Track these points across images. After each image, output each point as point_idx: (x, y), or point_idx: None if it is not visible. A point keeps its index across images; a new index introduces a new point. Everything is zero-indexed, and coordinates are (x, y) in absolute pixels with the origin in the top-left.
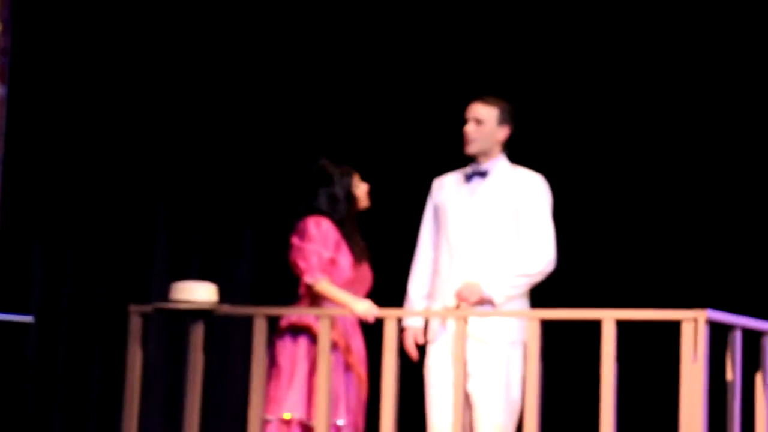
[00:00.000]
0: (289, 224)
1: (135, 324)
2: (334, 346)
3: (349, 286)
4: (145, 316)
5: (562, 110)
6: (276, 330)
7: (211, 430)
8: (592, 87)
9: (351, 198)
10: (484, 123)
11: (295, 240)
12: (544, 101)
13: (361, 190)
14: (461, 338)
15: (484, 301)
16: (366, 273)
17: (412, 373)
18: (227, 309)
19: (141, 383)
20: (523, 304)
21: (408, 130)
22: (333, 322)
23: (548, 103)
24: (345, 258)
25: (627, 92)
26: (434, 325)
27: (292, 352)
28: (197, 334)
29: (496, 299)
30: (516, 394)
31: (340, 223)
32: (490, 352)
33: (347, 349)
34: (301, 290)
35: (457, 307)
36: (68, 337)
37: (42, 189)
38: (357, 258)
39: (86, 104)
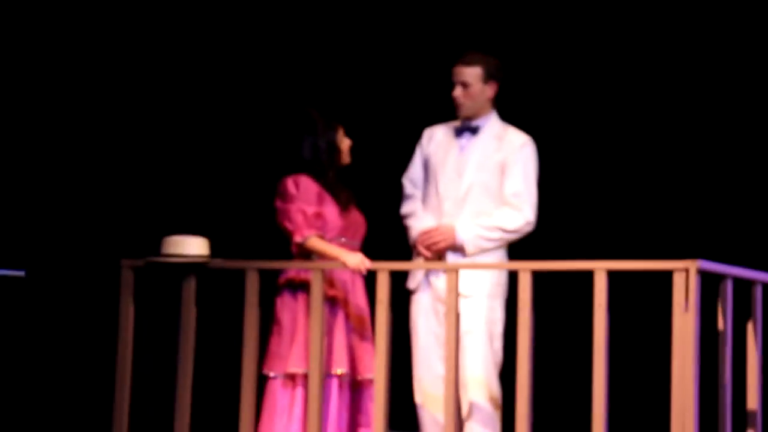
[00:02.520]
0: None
1: (127, 278)
2: (334, 300)
3: (341, 233)
4: (137, 271)
5: (553, 63)
6: (274, 287)
7: (204, 384)
8: (586, 38)
9: (334, 149)
10: (470, 85)
11: (278, 203)
12: (536, 53)
13: (344, 144)
14: (453, 290)
15: (455, 248)
16: (357, 218)
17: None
18: (219, 263)
19: (133, 338)
20: (502, 258)
21: (395, 83)
22: (330, 277)
23: (540, 55)
24: (330, 208)
25: (621, 42)
26: (418, 275)
27: (292, 307)
28: (190, 288)
29: (468, 247)
30: (498, 345)
31: (320, 176)
32: (471, 306)
33: (345, 303)
34: (294, 250)
35: (424, 247)
36: (60, 292)
37: (33, 143)
38: (342, 205)
39: (79, 49)
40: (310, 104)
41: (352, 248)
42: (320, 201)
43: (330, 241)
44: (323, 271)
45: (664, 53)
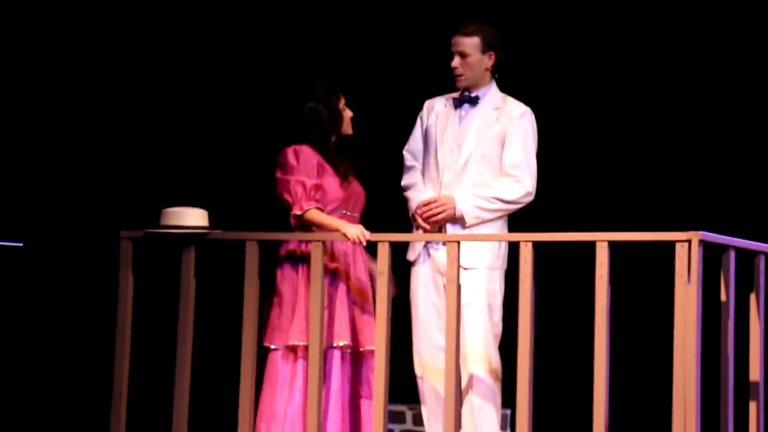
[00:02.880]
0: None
1: (126, 250)
2: (335, 272)
3: (342, 205)
4: (135, 242)
5: (554, 33)
6: (275, 258)
7: (204, 357)
8: (588, 5)
9: (336, 117)
10: (469, 55)
11: (278, 174)
12: (536, 22)
13: (346, 114)
14: (454, 262)
15: (455, 219)
16: (357, 189)
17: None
18: (218, 234)
19: (132, 309)
20: (502, 229)
21: (395, 55)
22: (331, 249)
23: (541, 24)
24: (331, 179)
25: (624, 12)
26: (417, 247)
27: (293, 280)
28: (189, 259)
29: (467, 218)
30: (497, 317)
31: (321, 145)
32: (471, 277)
33: (347, 276)
34: (292, 222)
35: (423, 218)
36: (59, 263)
37: (32, 114)
38: (342, 177)
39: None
40: (309, 74)
41: (352, 220)
42: (321, 171)
43: (330, 212)
44: (323, 243)
45: (670, 23)
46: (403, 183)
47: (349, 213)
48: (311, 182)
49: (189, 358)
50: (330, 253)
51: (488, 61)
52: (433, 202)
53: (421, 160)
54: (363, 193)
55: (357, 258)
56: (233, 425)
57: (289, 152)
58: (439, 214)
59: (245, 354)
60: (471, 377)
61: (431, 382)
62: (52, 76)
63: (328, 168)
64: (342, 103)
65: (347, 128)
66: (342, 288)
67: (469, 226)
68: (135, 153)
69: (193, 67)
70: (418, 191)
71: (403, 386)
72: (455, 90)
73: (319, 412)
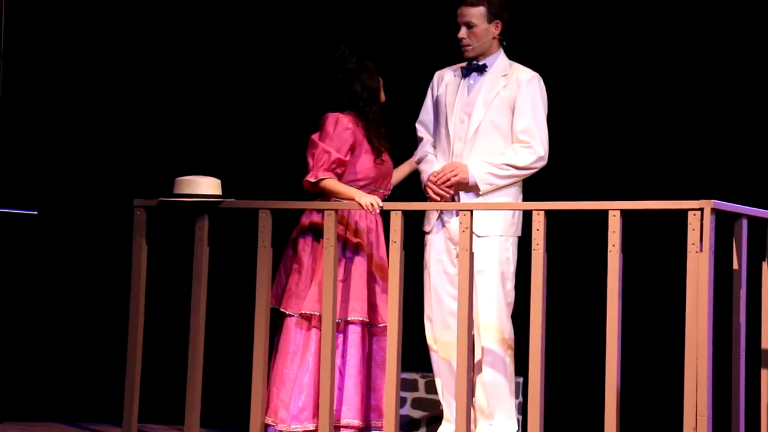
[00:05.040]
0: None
1: (140, 218)
2: (357, 247)
3: (372, 182)
4: (149, 210)
5: (563, 3)
6: (298, 227)
7: (218, 322)
8: None
9: (377, 85)
10: (475, 25)
11: (312, 135)
12: None
13: (380, 81)
14: (467, 229)
15: (468, 186)
16: (388, 166)
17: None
18: (231, 203)
19: (146, 277)
20: (516, 197)
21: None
22: (355, 226)
23: None
24: (366, 156)
25: None
26: (432, 219)
27: (316, 250)
28: (202, 227)
29: (481, 185)
30: (510, 285)
31: (366, 113)
32: (485, 245)
33: (369, 252)
34: (305, 185)
35: (437, 184)
36: (73, 231)
37: (46, 83)
38: (377, 154)
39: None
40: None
41: (379, 196)
42: (356, 147)
43: (361, 188)
44: (342, 216)
45: None
46: (415, 156)
47: (380, 190)
48: (336, 155)
49: (203, 326)
50: (354, 230)
51: (495, 29)
52: (447, 167)
53: (432, 131)
54: (392, 168)
55: (380, 235)
56: (247, 390)
57: (330, 119)
58: (451, 178)
59: (258, 322)
60: (484, 350)
61: (445, 356)
62: (67, 46)
63: (365, 144)
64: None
65: (382, 95)
66: (363, 264)
67: (483, 194)
68: (149, 121)
69: (205, 38)
70: (430, 163)
71: (416, 355)
72: (464, 60)
73: (332, 378)
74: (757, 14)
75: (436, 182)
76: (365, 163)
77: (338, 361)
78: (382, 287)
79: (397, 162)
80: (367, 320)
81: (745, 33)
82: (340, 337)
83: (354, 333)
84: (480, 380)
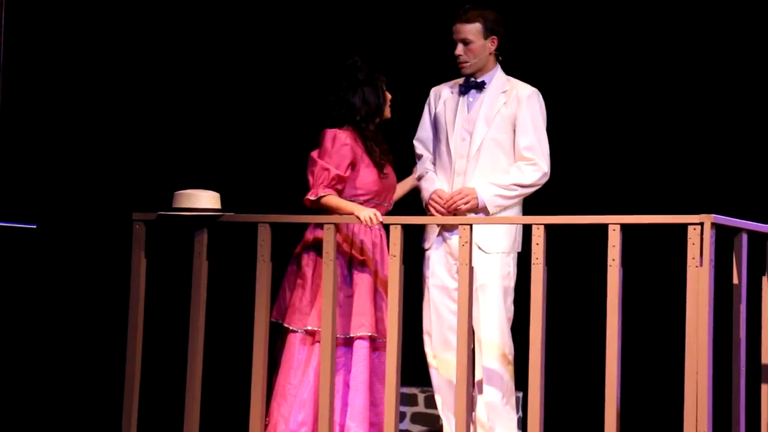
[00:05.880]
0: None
1: (138, 232)
2: (363, 264)
3: (375, 197)
4: (148, 224)
5: (562, 16)
6: (302, 242)
7: (217, 335)
8: None
9: (381, 102)
10: (471, 42)
11: (312, 152)
12: (546, 4)
13: (387, 97)
14: (467, 244)
15: (477, 209)
16: (392, 179)
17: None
18: (230, 217)
19: (145, 291)
20: (516, 212)
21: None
22: (361, 244)
23: (550, 6)
24: (368, 171)
25: None
26: (432, 236)
27: (319, 265)
28: (201, 241)
29: (490, 207)
30: (510, 300)
31: (364, 128)
32: (487, 260)
33: (374, 269)
34: (305, 202)
35: (449, 211)
36: (72, 245)
37: (45, 97)
38: (380, 168)
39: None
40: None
41: (382, 210)
42: (357, 162)
43: (364, 203)
44: (347, 234)
45: (684, 3)
46: (415, 173)
47: (384, 204)
48: (336, 172)
49: (201, 340)
50: (360, 247)
51: (491, 45)
52: (456, 194)
53: (431, 148)
54: (395, 184)
55: (384, 250)
56: (246, 404)
57: (328, 135)
58: (461, 207)
59: (257, 336)
60: (484, 369)
61: (445, 374)
62: (66, 59)
63: (365, 158)
64: (384, 84)
65: (388, 112)
66: (369, 279)
67: (492, 215)
68: (148, 135)
69: (206, 48)
70: (431, 181)
71: (416, 369)
72: (460, 76)
73: (332, 392)
74: (753, 30)
75: (447, 208)
76: (366, 177)
77: (345, 376)
78: (387, 302)
79: (398, 178)
80: (376, 334)
81: (742, 48)
82: (347, 352)
83: (361, 348)
84: (480, 398)
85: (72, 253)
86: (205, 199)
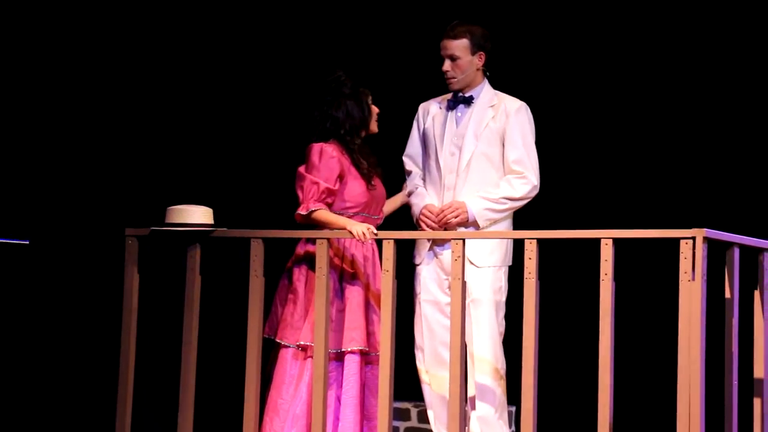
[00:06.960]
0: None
1: (131, 247)
2: (354, 277)
3: (365, 209)
4: (141, 240)
5: (550, 30)
6: (293, 257)
7: (210, 351)
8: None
9: (367, 114)
10: (459, 57)
11: (300, 167)
12: (534, 18)
13: (374, 110)
14: (459, 259)
15: (467, 223)
16: (380, 191)
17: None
18: (223, 232)
19: (138, 307)
20: (507, 226)
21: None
22: (352, 258)
23: (539, 21)
24: (355, 183)
25: (627, 5)
26: (423, 251)
27: (311, 280)
28: (194, 257)
29: (480, 221)
30: (501, 315)
31: (349, 142)
32: (479, 275)
33: (366, 283)
34: (297, 218)
35: (439, 225)
36: (64, 261)
37: (37, 112)
38: (367, 180)
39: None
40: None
41: (375, 222)
42: (344, 175)
43: (352, 216)
44: (338, 249)
45: (673, 19)
46: (405, 189)
47: (374, 217)
48: (325, 185)
49: (194, 356)
50: (350, 261)
51: (478, 61)
52: (447, 208)
53: (420, 164)
54: (385, 195)
55: (376, 264)
56: (239, 420)
57: (314, 150)
58: (452, 221)
59: (250, 351)
60: (477, 385)
61: (438, 390)
62: (58, 74)
63: (353, 170)
64: (370, 98)
65: (374, 126)
66: (360, 294)
67: (483, 228)
68: (140, 151)
69: (197, 65)
70: (421, 196)
71: (409, 384)
72: (448, 92)
73: (324, 407)
74: (743, 45)
75: (437, 222)
76: (354, 189)
77: (337, 391)
78: (380, 316)
79: (387, 193)
80: (366, 349)
81: (732, 63)
82: (339, 367)
83: (352, 362)
84: (473, 413)
85: (65, 269)
86: (198, 215)
